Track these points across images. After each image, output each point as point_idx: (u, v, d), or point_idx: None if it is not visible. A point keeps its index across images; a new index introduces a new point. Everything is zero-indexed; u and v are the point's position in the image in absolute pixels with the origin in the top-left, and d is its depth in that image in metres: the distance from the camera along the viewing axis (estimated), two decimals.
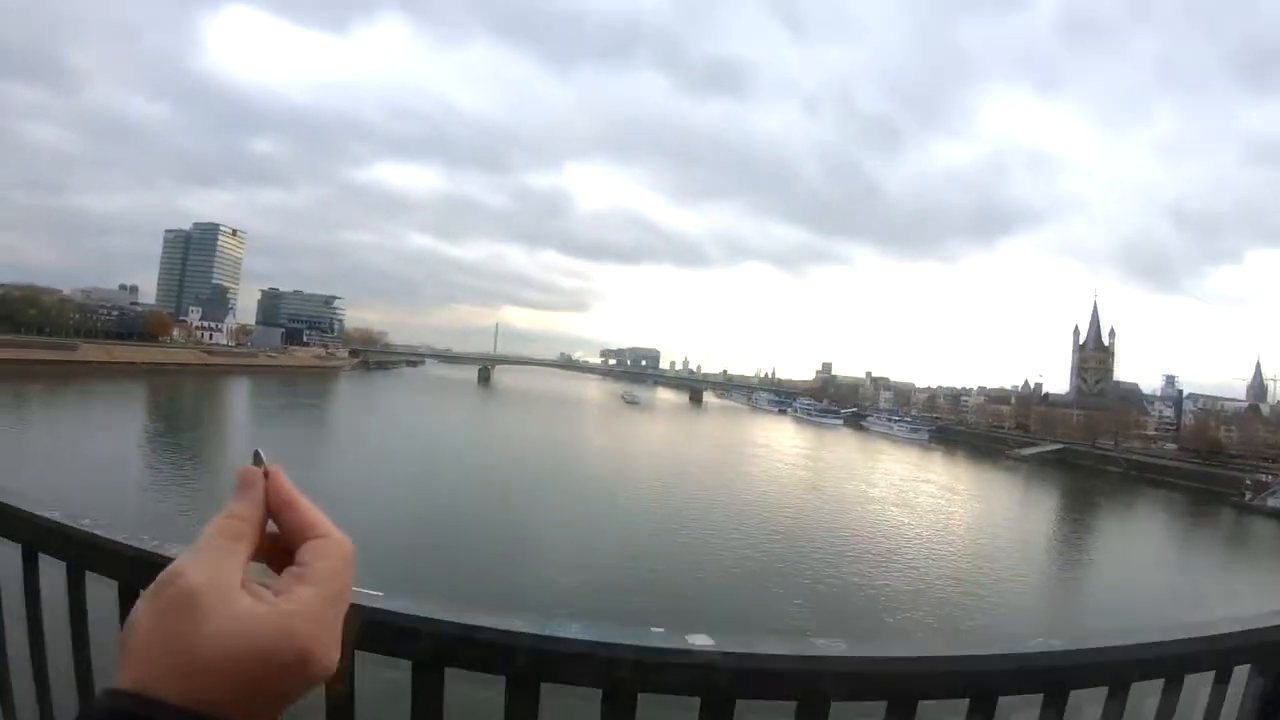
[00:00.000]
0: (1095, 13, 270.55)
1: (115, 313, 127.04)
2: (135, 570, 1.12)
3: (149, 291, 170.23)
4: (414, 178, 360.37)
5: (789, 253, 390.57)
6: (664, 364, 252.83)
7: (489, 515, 33.80)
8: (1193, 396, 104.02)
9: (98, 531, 1.29)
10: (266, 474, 0.59)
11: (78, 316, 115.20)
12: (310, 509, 0.60)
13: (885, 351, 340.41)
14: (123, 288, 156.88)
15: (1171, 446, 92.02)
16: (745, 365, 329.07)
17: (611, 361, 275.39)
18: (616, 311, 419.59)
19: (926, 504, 49.38)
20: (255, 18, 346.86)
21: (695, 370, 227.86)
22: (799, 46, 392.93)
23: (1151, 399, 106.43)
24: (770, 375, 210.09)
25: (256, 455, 0.64)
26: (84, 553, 1.33)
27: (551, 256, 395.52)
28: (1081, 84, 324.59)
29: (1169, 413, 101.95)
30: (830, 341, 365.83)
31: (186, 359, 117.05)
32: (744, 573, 28.13)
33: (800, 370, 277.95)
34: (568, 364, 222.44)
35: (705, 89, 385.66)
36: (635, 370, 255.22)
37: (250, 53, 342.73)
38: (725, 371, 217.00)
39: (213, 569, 0.53)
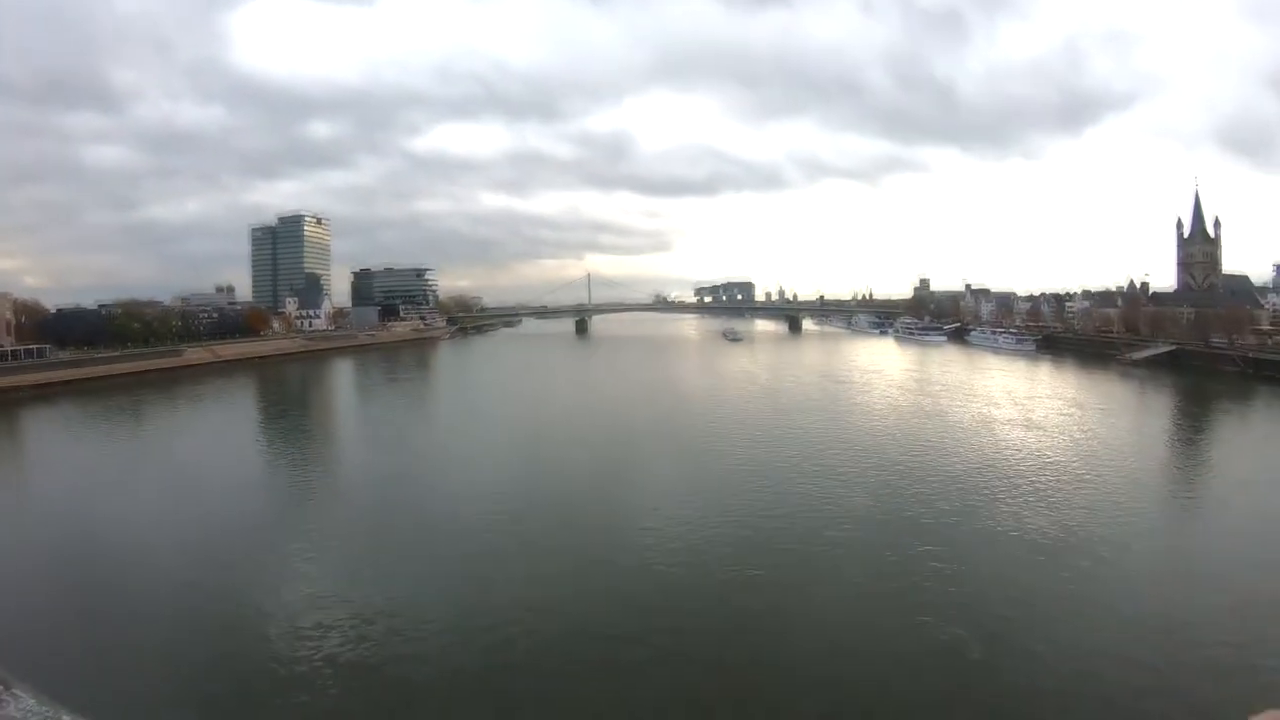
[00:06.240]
0: None
1: (215, 314, 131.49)
2: None
3: (245, 288, 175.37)
4: (476, 138, 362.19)
5: (868, 166, 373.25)
6: (759, 294, 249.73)
7: (596, 479, 33.95)
8: None
9: None
10: None
11: (180, 323, 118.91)
12: None
13: (983, 260, 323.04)
14: (219, 289, 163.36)
15: None
16: (841, 287, 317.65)
17: (707, 298, 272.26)
18: (704, 247, 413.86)
19: (1056, 424, 46.43)
20: (274, 3, 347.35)
21: (791, 298, 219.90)
22: None
23: (1264, 290, 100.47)
24: (868, 295, 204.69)
25: None
26: None
27: (626, 198, 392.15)
28: None
29: None
30: (925, 255, 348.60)
31: (288, 348, 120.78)
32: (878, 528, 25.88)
33: (898, 287, 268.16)
34: (662, 305, 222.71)
35: (754, 2, 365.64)
36: (730, 304, 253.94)
37: (283, 40, 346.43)
38: (821, 296, 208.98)
39: None
